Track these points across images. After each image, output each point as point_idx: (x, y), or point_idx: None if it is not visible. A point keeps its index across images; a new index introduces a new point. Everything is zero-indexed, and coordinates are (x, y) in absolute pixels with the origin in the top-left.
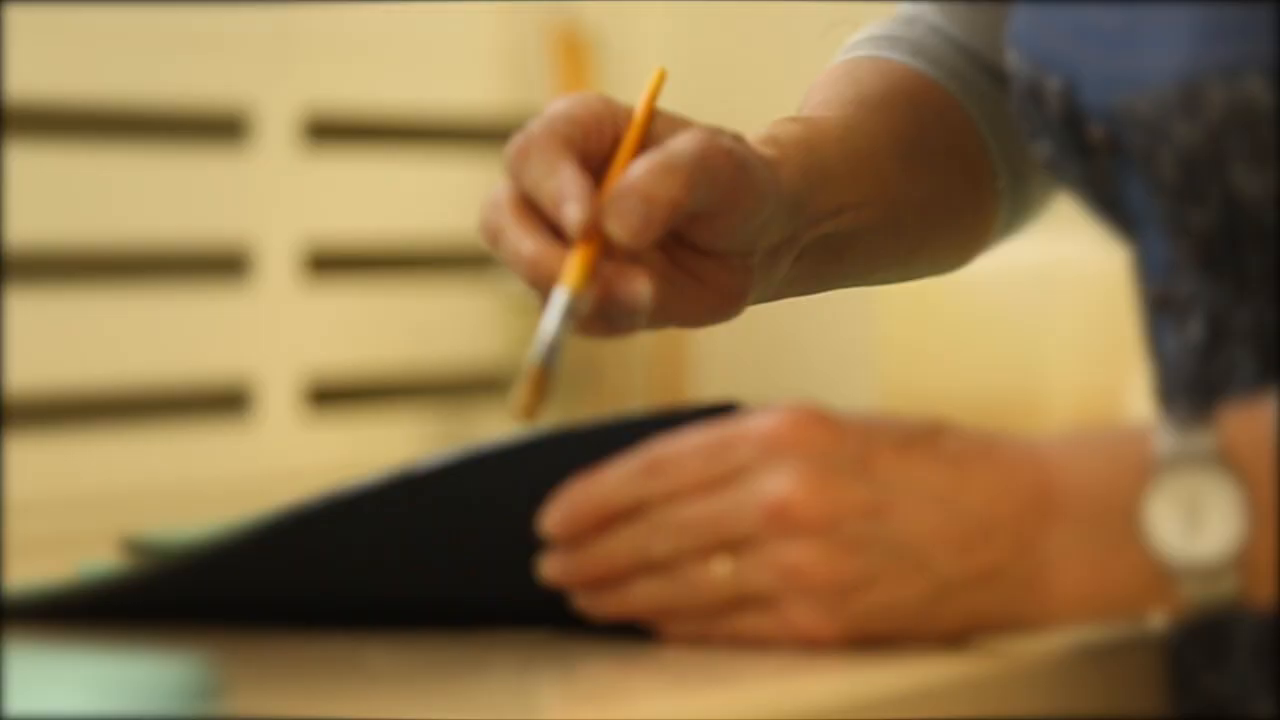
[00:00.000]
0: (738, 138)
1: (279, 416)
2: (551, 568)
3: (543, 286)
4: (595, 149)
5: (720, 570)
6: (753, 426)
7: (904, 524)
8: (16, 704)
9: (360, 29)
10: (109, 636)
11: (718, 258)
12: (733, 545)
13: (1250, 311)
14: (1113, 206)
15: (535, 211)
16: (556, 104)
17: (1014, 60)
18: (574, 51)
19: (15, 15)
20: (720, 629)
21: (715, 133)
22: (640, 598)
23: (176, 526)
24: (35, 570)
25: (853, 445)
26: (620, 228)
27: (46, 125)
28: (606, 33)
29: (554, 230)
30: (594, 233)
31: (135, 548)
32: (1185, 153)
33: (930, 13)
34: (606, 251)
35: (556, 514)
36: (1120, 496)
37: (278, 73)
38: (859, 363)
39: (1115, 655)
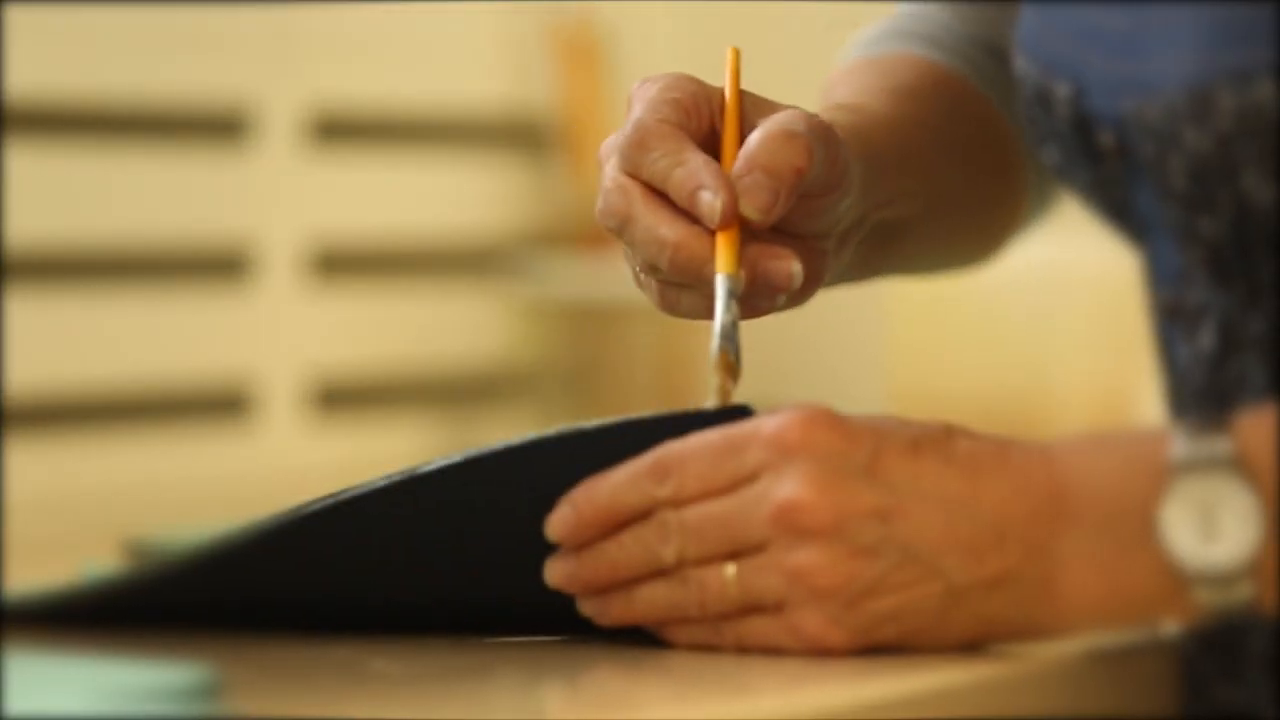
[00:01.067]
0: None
1: (282, 418)
2: (557, 572)
3: (686, 271)
4: (696, 129)
5: (728, 574)
6: (761, 429)
7: (914, 528)
8: (16, 708)
9: (363, 28)
10: (111, 642)
11: (799, 242)
12: (741, 549)
13: (1261, 320)
14: (1122, 213)
15: (664, 197)
16: (650, 88)
17: (1022, 65)
18: (578, 50)
19: (15, 15)
20: (728, 634)
21: (806, 112)
22: (647, 602)
23: (178, 529)
24: (37, 572)
25: (862, 449)
26: (751, 205)
27: (47, 125)
28: (611, 31)
29: (687, 215)
30: (737, 213)
31: (137, 550)
32: (1195, 160)
33: (936, 9)
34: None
35: (562, 517)
36: (1134, 501)
37: (281, 72)
38: (869, 365)
39: (1127, 661)
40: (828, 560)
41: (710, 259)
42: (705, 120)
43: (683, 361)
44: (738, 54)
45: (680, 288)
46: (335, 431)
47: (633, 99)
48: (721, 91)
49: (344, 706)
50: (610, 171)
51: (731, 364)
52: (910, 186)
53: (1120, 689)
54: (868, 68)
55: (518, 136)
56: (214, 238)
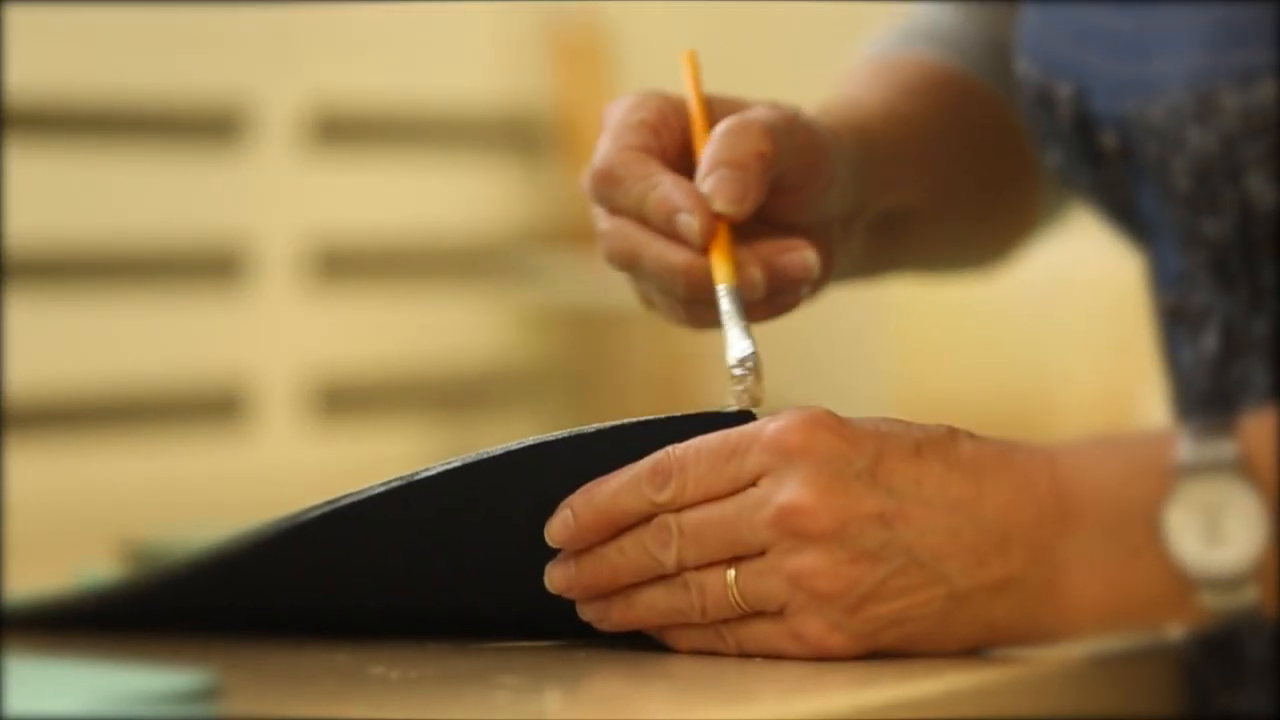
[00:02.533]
0: (798, 108)
1: (280, 420)
2: (557, 577)
3: (704, 289)
4: (670, 144)
5: (728, 579)
6: (762, 433)
7: (916, 533)
8: (15, 710)
9: (361, 28)
10: (110, 647)
11: (800, 234)
12: (741, 553)
13: (1265, 322)
14: (1125, 215)
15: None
16: (614, 112)
17: (1023, 66)
18: (578, 49)
19: (15, 15)
20: (729, 639)
21: (775, 104)
22: (647, 607)
23: (177, 530)
24: (36, 574)
25: (864, 452)
26: (723, 201)
27: (46, 125)
28: (611, 30)
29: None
30: (716, 224)
31: (135, 552)
32: (1198, 160)
33: (948, 10)
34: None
35: (562, 522)
36: (1138, 504)
37: (278, 72)
38: (873, 367)
39: (1130, 665)
40: (829, 565)
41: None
42: (676, 133)
43: (682, 362)
44: (694, 58)
45: (703, 303)
46: (333, 433)
47: (604, 125)
48: (686, 102)
49: (343, 711)
50: (599, 214)
51: (748, 365)
52: (910, 176)
53: (1123, 693)
54: (874, 68)
55: (517, 137)
56: (212, 238)
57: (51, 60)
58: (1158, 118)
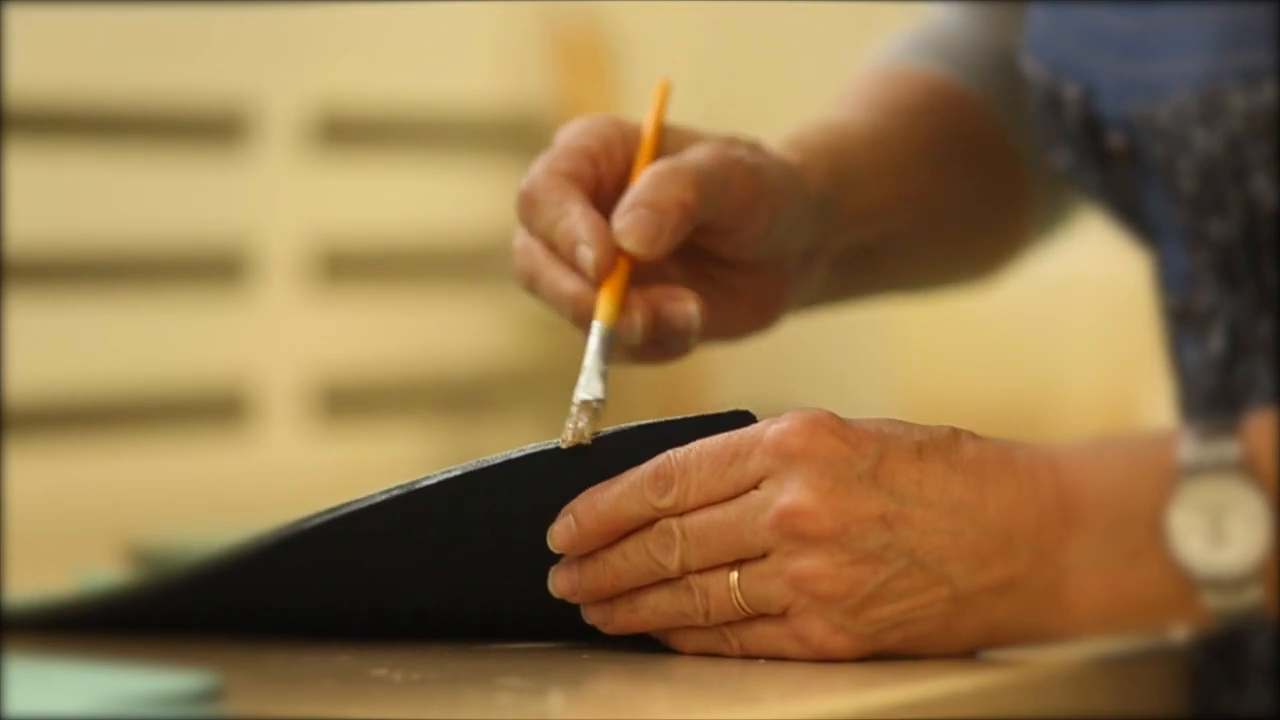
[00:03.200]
0: (754, 146)
1: (283, 422)
2: (561, 581)
3: (589, 323)
4: (608, 173)
5: (731, 582)
6: (763, 436)
7: (918, 534)
8: (17, 710)
9: (364, 28)
10: (113, 649)
11: (751, 268)
12: (743, 556)
13: (1270, 324)
14: (1133, 216)
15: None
16: (561, 134)
17: (1031, 67)
18: (582, 51)
19: (15, 15)
20: (733, 641)
21: (728, 142)
22: (651, 610)
23: (180, 533)
24: (38, 576)
25: (866, 454)
26: (633, 240)
27: (46, 126)
28: (615, 31)
29: None
30: (617, 261)
31: (139, 554)
32: (1204, 162)
33: (961, 15)
34: (640, 276)
35: (564, 528)
36: (1141, 505)
37: (280, 73)
38: (877, 369)
39: (1134, 667)
40: (830, 567)
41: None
42: (619, 163)
43: (684, 367)
44: (666, 88)
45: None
46: (336, 435)
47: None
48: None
49: (345, 712)
50: (519, 231)
51: (589, 410)
52: (889, 203)
53: (1127, 695)
54: (872, 82)
55: (521, 139)
56: (214, 240)
57: (53, 61)
58: (1164, 119)
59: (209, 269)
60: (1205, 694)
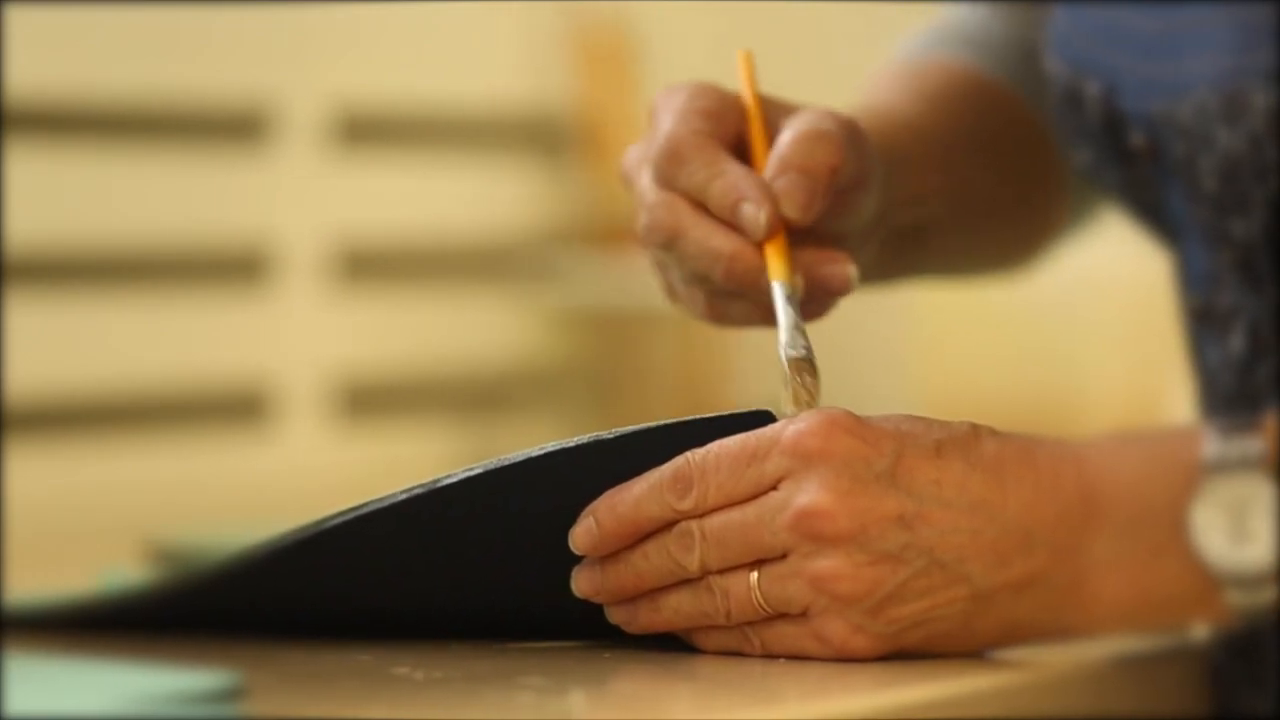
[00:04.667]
0: (853, 117)
1: (304, 422)
2: (583, 582)
3: (743, 280)
4: (725, 136)
5: (751, 582)
6: (781, 436)
7: (937, 534)
8: (38, 710)
9: (384, 27)
10: (135, 648)
11: (819, 241)
12: (763, 557)
13: None
14: (1154, 215)
15: (707, 209)
16: (676, 98)
17: (1052, 65)
18: (602, 49)
19: (28, 14)
20: (754, 640)
21: (835, 111)
22: (673, 610)
23: (202, 532)
24: (61, 576)
25: (884, 453)
26: (790, 205)
27: (70, 127)
28: (635, 30)
29: (731, 226)
30: (780, 221)
31: (160, 554)
32: (1226, 160)
33: (982, 12)
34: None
35: (585, 530)
36: (1163, 502)
37: (301, 72)
38: (899, 367)
39: (1155, 666)
40: (849, 567)
41: (764, 268)
42: (732, 128)
43: (706, 363)
44: (750, 57)
45: (732, 297)
46: (356, 434)
47: (656, 109)
48: (741, 98)
49: (366, 711)
50: (647, 185)
51: (807, 365)
52: (933, 187)
53: (1148, 694)
54: (899, 73)
55: (541, 137)
56: (236, 239)
57: (69, 60)
58: (1186, 117)
59: (231, 268)
60: (1226, 693)
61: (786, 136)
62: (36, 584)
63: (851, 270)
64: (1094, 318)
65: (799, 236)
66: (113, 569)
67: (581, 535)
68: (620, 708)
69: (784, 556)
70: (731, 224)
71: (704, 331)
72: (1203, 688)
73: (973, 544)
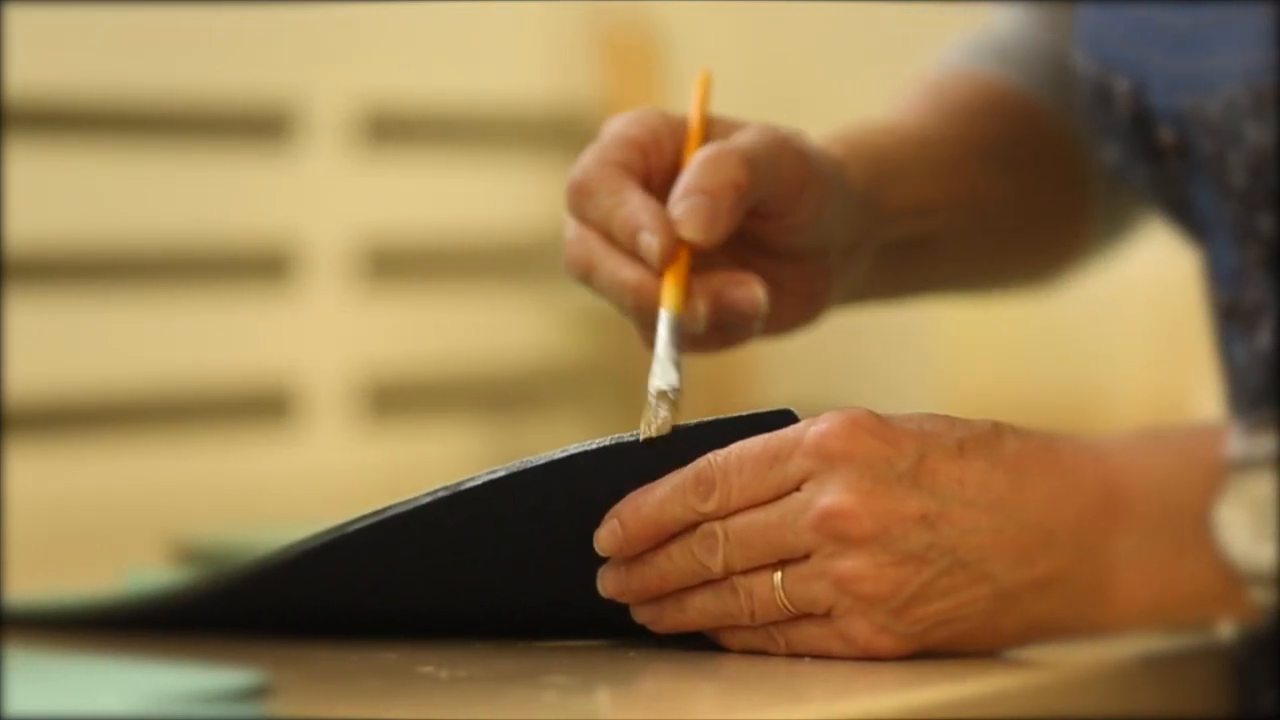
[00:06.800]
0: (796, 132)
1: (328, 420)
2: (609, 582)
3: (651, 312)
4: (658, 164)
5: (774, 583)
6: (804, 437)
7: (960, 533)
8: (63, 710)
9: (409, 25)
10: (160, 648)
11: (795, 261)
12: (786, 558)
13: None
14: (1181, 212)
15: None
16: (610, 126)
17: (1081, 61)
18: (628, 48)
19: (57, 8)
20: (779, 640)
21: (772, 127)
22: (698, 610)
23: (228, 531)
24: (86, 575)
25: (906, 453)
26: (690, 228)
27: (101, 125)
28: (661, 28)
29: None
30: (679, 249)
31: (186, 552)
32: (1255, 156)
33: (1020, 20)
34: (699, 263)
35: (610, 532)
36: (1188, 499)
37: (325, 72)
38: (922, 366)
39: (1180, 665)
40: (872, 568)
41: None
42: (668, 154)
43: (728, 363)
44: (708, 79)
45: (651, 326)
46: (381, 432)
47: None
48: (687, 121)
49: (392, 710)
50: (569, 222)
51: (666, 399)
52: (937, 199)
53: (1173, 693)
54: (925, 87)
55: (566, 136)
56: (260, 238)
57: (97, 59)
58: (1214, 113)
59: (256, 267)
60: (1249, 692)
61: (693, 159)
62: (61, 583)
63: (759, 292)
64: (1119, 315)
65: (750, 257)
66: (139, 569)
67: (606, 537)
68: (645, 707)
69: (807, 557)
70: (635, 255)
71: None
72: (1227, 687)
73: (995, 543)
